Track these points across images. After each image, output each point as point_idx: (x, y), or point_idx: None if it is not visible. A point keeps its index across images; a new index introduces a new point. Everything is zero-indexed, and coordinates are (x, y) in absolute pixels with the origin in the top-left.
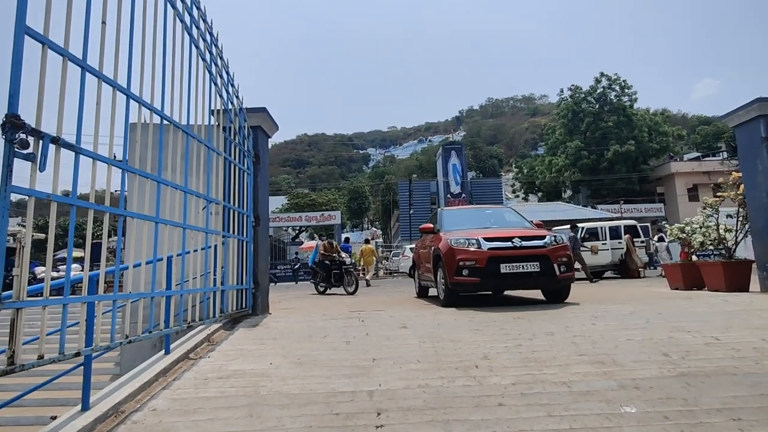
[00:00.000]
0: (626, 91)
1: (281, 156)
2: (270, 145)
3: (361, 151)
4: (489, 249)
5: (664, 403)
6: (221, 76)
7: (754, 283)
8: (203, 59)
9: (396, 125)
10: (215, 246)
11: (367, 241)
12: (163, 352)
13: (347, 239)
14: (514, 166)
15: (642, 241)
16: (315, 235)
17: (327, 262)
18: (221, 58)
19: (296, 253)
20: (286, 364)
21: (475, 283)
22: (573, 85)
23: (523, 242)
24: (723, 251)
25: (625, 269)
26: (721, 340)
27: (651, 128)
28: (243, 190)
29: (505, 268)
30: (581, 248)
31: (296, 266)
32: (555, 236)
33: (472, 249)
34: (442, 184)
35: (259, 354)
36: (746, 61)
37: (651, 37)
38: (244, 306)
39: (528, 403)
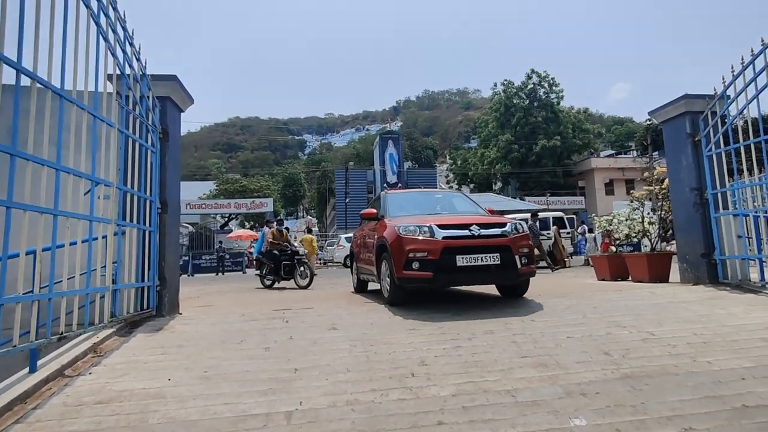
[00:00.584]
0: (554, 88)
1: (211, 139)
2: (199, 127)
3: (296, 137)
4: (444, 238)
5: (613, 412)
6: (114, 32)
7: (674, 274)
8: (87, 6)
9: (333, 112)
10: (105, 237)
11: (308, 231)
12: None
13: (287, 228)
14: (448, 157)
15: (568, 232)
16: (246, 224)
17: (276, 252)
18: (115, 9)
19: (220, 242)
20: (188, 380)
21: (428, 279)
22: (506, 80)
23: (481, 230)
24: (636, 243)
25: (552, 259)
26: (656, 336)
27: (575, 125)
28: (146, 171)
29: (461, 261)
30: (541, 237)
31: (221, 255)
32: (516, 224)
33: (423, 238)
34: (379, 173)
35: (156, 367)
36: (655, 67)
37: (572, 41)
38: (146, 307)
39: (471, 420)
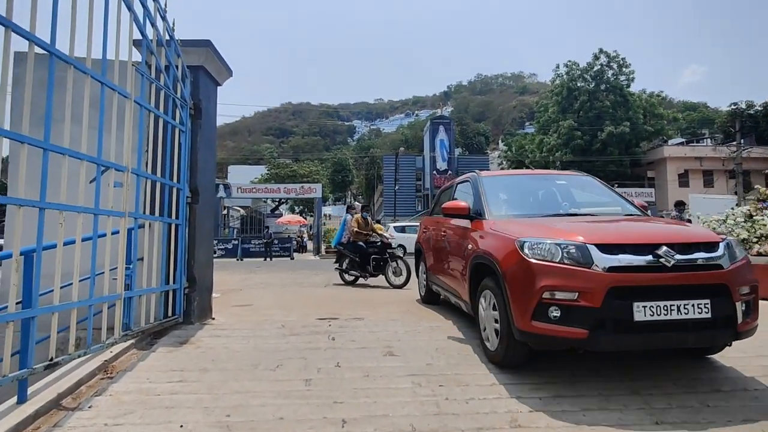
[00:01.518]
0: (624, 69)
1: (264, 124)
2: (252, 113)
3: (346, 123)
4: (610, 269)
5: None
6: None
7: None
8: None
9: (383, 98)
10: (117, 233)
11: (377, 221)
12: (16, 399)
13: (373, 217)
14: (502, 144)
15: None
16: (295, 209)
17: (361, 243)
18: None
19: (268, 228)
20: (204, 427)
21: (579, 339)
22: (569, 61)
23: (678, 255)
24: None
25: None
26: None
27: (646, 110)
28: (173, 153)
29: (643, 312)
30: None
31: (269, 241)
32: (729, 241)
33: (570, 266)
34: (429, 159)
35: (170, 402)
36: (733, 48)
37: (640, 20)
38: (171, 314)
39: None
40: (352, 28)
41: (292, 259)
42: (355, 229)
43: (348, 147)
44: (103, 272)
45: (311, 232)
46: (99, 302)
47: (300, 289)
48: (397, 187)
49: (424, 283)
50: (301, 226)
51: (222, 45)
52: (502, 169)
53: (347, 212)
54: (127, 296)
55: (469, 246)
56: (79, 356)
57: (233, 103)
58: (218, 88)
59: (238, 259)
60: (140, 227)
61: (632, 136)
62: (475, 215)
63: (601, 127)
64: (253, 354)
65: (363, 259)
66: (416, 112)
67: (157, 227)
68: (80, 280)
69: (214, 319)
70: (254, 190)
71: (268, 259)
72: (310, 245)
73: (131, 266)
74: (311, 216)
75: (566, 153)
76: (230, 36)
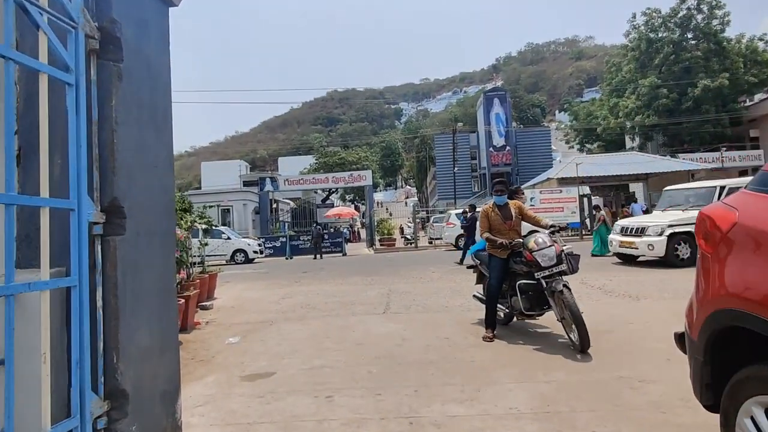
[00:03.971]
0: (716, 12)
1: (312, 114)
2: (300, 104)
3: (393, 106)
4: None
5: None
6: None
7: None
8: None
9: (429, 77)
10: None
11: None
12: None
13: (596, 206)
14: (564, 113)
15: None
16: (346, 197)
17: (500, 258)
18: None
19: (316, 222)
20: None
21: None
22: (648, 9)
23: None
24: None
25: None
26: None
27: (747, 58)
28: (57, 133)
29: None
30: None
31: (317, 236)
32: None
33: None
34: (484, 135)
35: None
36: None
37: None
38: None
39: None
40: (392, 8)
41: (344, 255)
42: (486, 234)
43: (396, 130)
44: None
45: (363, 220)
46: None
47: (357, 323)
48: (456, 169)
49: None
50: (352, 218)
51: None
52: (568, 140)
53: (501, 195)
54: None
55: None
56: None
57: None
58: (170, 10)
59: (287, 258)
60: None
61: (731, 89)
62: None
63: (691, 82)
64: None
65: (529, 294)
66: (464, 88)
67: (28, 300)
68: None
69: None
70: (302, 181)
71: (317, 257)
72: (364, 232)
73: None
74: (364, 203)
75: (649, 116)
76: (272, 22)
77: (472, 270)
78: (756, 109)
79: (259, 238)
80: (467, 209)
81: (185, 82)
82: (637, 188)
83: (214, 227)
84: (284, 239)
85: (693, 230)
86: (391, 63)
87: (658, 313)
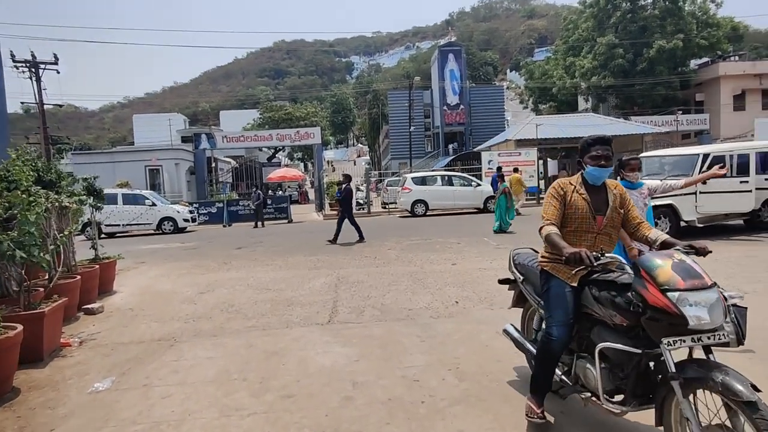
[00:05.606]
0: None
1: (258, 65)
2: (245, 54)
3: (343, 59)
4: None
5: None
6: None
7: None
8: None
9: (381, 30)
10: None
11: (516, 170)
12: None
13: (499, 168)
14: (517, 72)
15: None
16: (294, 156)
17: (613, 296)
18: None
19: (255, 187)
20: None
21: None
22: None
23: None
24: None
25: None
26: None
27: (699, 20)
28: None
29: None
30: None
31: (258, 203)
32: None
33: None
34: (439, 92)
35: None
36: None
37: None
38: None
39: None
40: None
41: (290, 221)
42: (550, 229)
43: (347, 85)
44: None
45: (312, 180)
46: None
47: (291, 346)
48: (412, 128)
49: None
50: (300, 182)
51: None
52: (522, 100)
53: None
54: None
55: None
56: None
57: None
58: None
59: (224, 225)
60: None
61: (684, 52)
62: None
63: (647, 42)
64: None
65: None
66: (417, 43)
67: None
68: None
69: None
70: (243, 138)
71: (259, 224)
72: (313, 193)
73: None
74: (313, 163)
75: (605, 77)
76: None
77: (507, 286)
78: (702, 72)
79: (190, 203)
80: (342, 179)
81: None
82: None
83: (138, 193)
84: (221, 205)
85: (674, 203)
86: (342, 13)
87: None
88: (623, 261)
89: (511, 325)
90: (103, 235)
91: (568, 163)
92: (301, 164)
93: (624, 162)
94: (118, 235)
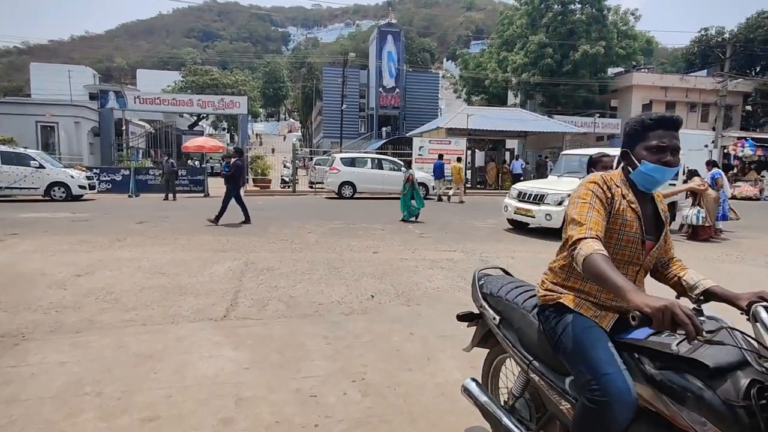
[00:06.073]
0: None
1: (185, 24)
2: (171, 10)
3: (280, 29)
4: None
5: None
6: None
7: None
8: None
9: (321, 3)
10: None
11: (459, 159)
12: None
13: (440, 156)
14: (458, 61)
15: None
16: (219, 124)
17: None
18: None
19: (168, 155)
20: None
21: None
22: None
23: None
24: None
25: (694, 229)
26: None
27: (619, 30)
28: None
29: None
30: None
31: (171, 171)
32: None
33: None
34: (375, 72)
35: None
36: None
37: None
38: None
39: None
40: None
41: (207, 196)
42: (592, 248)
43: (282, 56)
44: None
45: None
46: None
47: (171, 347)
48: (344, 106)
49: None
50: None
51: None
52: (456, 89)
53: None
54: None
55: None
56: None
57: None
58: None
59: (130, 196)
60: None
61: (605, 59)
62: None
63: (573, 45)
64: None
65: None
66: (357, 21)
67: None
68: None
69: None
70: (158, 101)
71: (169, 197)
72: None
73: None
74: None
75: (534, 74)
76: None
77: (465, 323)
78: (618, 80)
79: (89, 168)
80: (232, 153)
81: None
82: (512, 144)
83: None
84: (128, 172)
85: None
86: None
87: None
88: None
89: (473, 380)
90: None
91: (494, 155)
92: (227, 135)
93: (595, 159)
94: None
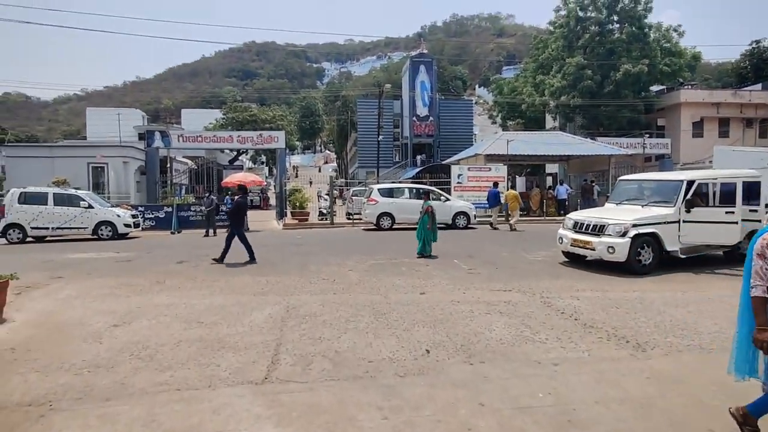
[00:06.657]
0: None
1: (226, 65)
2: (213, 52)
3: (315, 65)
4: None
5: None
6: None
7: None
8: None
9: (353, 38)
10: None
11: (495, 185)
12: None
13: (495, 184)
14: (491, 87)
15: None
16: (257, 159)
17: None
18: None
19: (209, 192)
20: None
21: None
22: None
23: None
24: None
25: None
26: None
27: (662, 47)
28: None
29: None
30: None
31: (211, 209)
32: None
33: None
34: (409, 102)
35: None
36: None
37: None
38: None
39: None
40: None
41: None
42: None
43: (317, 90)
44: None
45: (275, 184)
46: None
47: (206, 422)
48: (380, 137)
49: None
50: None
51: None
52: (491, 115)
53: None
54: None
55: None
56: None
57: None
58: None
59: (172, 232)
60: None
61: (648, 77)
62: None
63: (614, 65)
64: None
65: None
66: (389, 54)
67: None
68: None
69: None
70: (200, 138)
71: (210, 233)
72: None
73: None
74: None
75: (574, 96)
76: None
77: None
78: (665, 98)
79: (134, 206)
80: (237, 190)
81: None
82: (552, 169)
83: (73, 192)
84: (170, 209)
85: (658, 231)
86: (314, 18)
87: (707, 392)
88: None
89: None
90: (29, 239)
91: (536, 180)
92: (266, 168)
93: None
94: (47, 239)
